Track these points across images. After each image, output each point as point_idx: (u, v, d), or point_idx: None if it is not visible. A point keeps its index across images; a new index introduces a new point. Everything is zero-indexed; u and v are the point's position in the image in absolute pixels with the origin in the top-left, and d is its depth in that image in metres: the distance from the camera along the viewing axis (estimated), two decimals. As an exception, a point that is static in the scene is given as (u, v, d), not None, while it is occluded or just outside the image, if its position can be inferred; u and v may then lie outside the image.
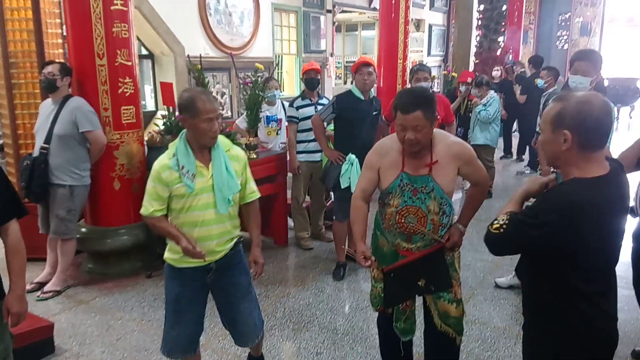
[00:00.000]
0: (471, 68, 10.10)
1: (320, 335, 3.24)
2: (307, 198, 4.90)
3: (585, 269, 1.56)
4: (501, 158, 8.77)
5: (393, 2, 6.46)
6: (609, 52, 14.80)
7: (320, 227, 4.95)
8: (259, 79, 4.29)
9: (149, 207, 2.23)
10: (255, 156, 4.33)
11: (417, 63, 4.93)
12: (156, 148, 4.14)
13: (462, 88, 6.78)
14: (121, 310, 3.58)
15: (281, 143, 4.94)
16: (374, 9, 9.78)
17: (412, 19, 9.02)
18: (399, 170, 2.26)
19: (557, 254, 1.56)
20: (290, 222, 4.96)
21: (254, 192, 2.45)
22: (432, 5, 12.41)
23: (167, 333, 2.39)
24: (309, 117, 4.33)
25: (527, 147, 8.10)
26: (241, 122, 4.75)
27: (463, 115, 6.77)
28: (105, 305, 3.65)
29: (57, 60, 3.94)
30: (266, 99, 4.57)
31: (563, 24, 15.04)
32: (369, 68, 3.87)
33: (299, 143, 4.58)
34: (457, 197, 5.50)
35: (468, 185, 2.50)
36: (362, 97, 3.90)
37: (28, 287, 3.11)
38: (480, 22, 10.58)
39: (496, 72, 8.85)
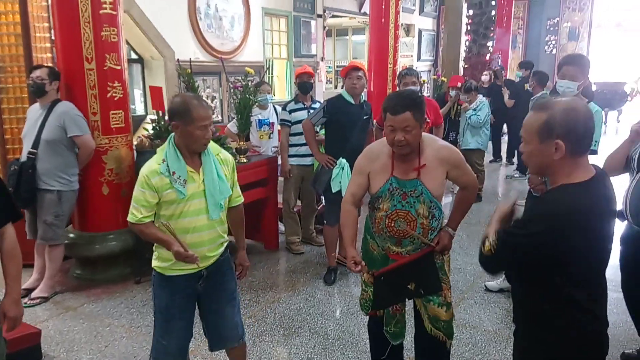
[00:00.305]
0: (461, 72, 10.17)
1: (311, 341, 3.23)
2: (298, 202, 4.89)
3: (576, 275, 1.55)
4: (490, 162, 8.82)
5: (383, 7, 6.51)
6: (597, 57, 14.97)
7: (311, 232, 4.94)
8: (250, 83, 4.29)
9: (137, 213, 2.17)
10: (246, 160, 4.32)
11: (405, 67, 4.94)
12: (145, 152, 4.11)
13: (452, 93, 6.82)
14: (110, 316, 3.54)
15: (273, 147, 4.93)
16: (364, 13, 9.82)
17: (402, 24, 9.09)
18: (388, 174, 2.26)
19: (549, 262, 1.55)
20: (281, 227, 4.95)
21: (239, 196, 2.46)
22: (421, 11, 12.49)
23: (157, 342, 2.35)
24: (301, 121, 4.33)
25: (516, 151, 8.16)
26: (232, 126, 4.74)
27: (453, 119, 6.81)
28: (94, 312, 3.61)
29: (45, 65, 3.91)
30: (257, 103, 4.57)
31: (551, 28, 15.21)
32: (359, 72, 3.88)
33: (291, 147, 4.58)
34: (447, 200, 5.52)
35: (457, 189, 2.51)
36: (353, 102, 3.91)
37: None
38: (469, 27, 10.68)
39: (485, 77, 8.92)
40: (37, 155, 3.60)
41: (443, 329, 2.37)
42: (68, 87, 3.82)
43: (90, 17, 3.68)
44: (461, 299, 3.75)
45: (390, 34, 6.53)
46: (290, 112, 4.52)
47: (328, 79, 11.97)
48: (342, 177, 3.84)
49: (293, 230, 4.78)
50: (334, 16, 10.03)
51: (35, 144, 3.60)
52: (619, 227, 2.47)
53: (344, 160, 3.85)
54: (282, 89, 8.91)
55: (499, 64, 10.49)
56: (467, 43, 10.66)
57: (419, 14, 12.43)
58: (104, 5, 3.73)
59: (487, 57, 10.41)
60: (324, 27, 9.61)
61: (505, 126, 8.95)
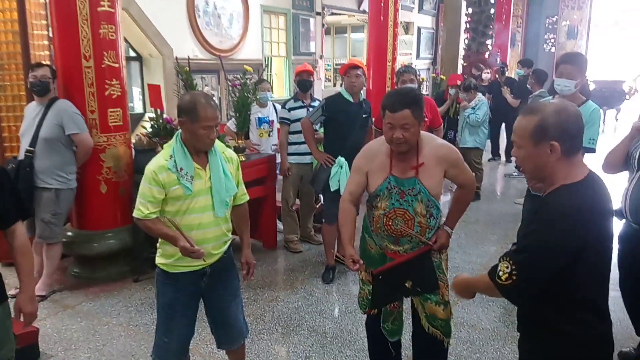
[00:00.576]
0: (459, 71, 10.15)
1: (309, 339, 3.23)
2: (297, 201, 4.89)
3: (584, 275, 1.54)
4: (489, 160, 8.83)
5: (382, 4, 6.49)
6: (596, 55, 14.97)
7: (309, 230, 4.94)
8: (248, 81, 4.28)
9: (144, 209, 2.17)
10: (244, 158, 4.32)
11: (404, 65, 4.93)
12: (144, 151, 4.12)
13: (452, 91, 6.81)
14: (107, 315, 3.54)
15: (273, 145, 4.93)
16: (363, 11, 9.80)
17: (401, 22, 9.08)
18: (386, 173, 2.26)
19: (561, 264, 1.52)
20: (280, 225, 4.95)
21: (244, 194, 2.47)
22: (420, 8, 12.47)
23: (159, 339, 2.36)
24: (300, 119, 4.32)
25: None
26: (232, 125, 4.74)
27: (452, 118, 6.81)
28: (92, 310, 3.61)
29: (45, 63, 3.90)
30: (257, 100, 4.56)
31: (550, 27, 15.21)
32: (358, 70, 3.88)
33: (290, 145, 4.57)
34: (445, 199, 5.52)
35: (456, 187, 2.51)
36: (352, 100, 3.91)
37: (12, 292, 3.07)
38: (468, 25, 10.66)
39: (486, 75, 8.88)
40: (35, 154, 3.60)
41: (441, 327, 2.37)
42: (66, 85, 3.81)
43: (88, 14, 3.67)
44: (459, 297, 3.74)
45: (389, 32, 6.52)
46: (290, 110, 4.52)
47: (327, 77, 11.96)
48: (341, 176, 3.84)
49: (292, 228, 4.78)
50: (332, 14, 10.01)
51: (33, 142, 3.60)
52: (617, 226, 2.47)
53: (342, 159, 3.85)
54: (280, 87, 8.89)
55: (498, 61, 10.48)
56: (466, 41, 10.65)
57: (418, 12, 12.40)
58: (102, 3, 3.72)
59: (486, 55, 10.40)
60: (323, 25, 9.59)
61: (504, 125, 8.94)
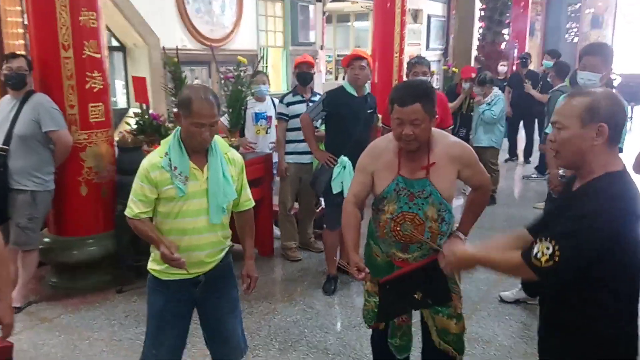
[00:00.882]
0: (472, 63, 10.17)
1: (309, 356, 3.24)
2: (296, 204, 4.90)
3: (621, 268, 1.61)
4: (506, 161, 8.82)
5: (388, -10, 6.52)
6: (623, 46, 14.98)
7: (309, 236, 4.95)
8: (242, 74, 4.29)
9: (135, 208, 2.21)
10: (238, 158, 4.32)
11: (415, 56, 4.94)
12: (128, 149, 4.13)
13: (466, 85, 6.81)
14: (88, 329, 3.55)
15: (270, 143, 4.89)
16: (368, -3, 9.84)
17: (409, 9, 9.08)
18: (394, 173, 2.27)
19: (604, 254, 1.59)
20: (277, 231, 4.95)
21: (249, 199, 2.47)
22: (431, -5, 12.52)
23: (147, 350, 2.37)
24: (299, 115, 4.33)
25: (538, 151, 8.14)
26: (225, 120, 4.74)
27: (465, 114, 6.81)
28: (71, 324, 3.61)
29: (19, 53, 3.91)
30: (253, 94, 4.56)
31: (573, 15, 15.24)
32: (362, 62, 3.89)
33: (288, 143, 4.57)
34: (458, 203, 5.52)
35: (469, 190, 2.52)
36: (355, 94, 3.92)
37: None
38: (483, 13, 10.67)
39: (502, 68, 8.88)
40: (9, 152, 3.60)
41: (453, 343, 2.38)
42: (42, 78, 3.82)
43: (67, 0, 3.68)
44: (473, 310, 3.76)
45: (396, 20, 6.55)
46: (288, 105, 4.52)
47: (328, 69, 11.99)
48: (344, 177, 3.84)
49: (290, 234, 4.79)
50: (334, 0, 10.05)
51: (7, 140, 3.60)
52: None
53: (345, 159, 3.86)
54: (277, 80, 8.91)
55: (515, 53, 10.50)
56: (481, 30, 10.67)
57: (428, -2, 12.46)
58: (83, -12, 3.74)
59: (503, 46, 10.42)
60: (324, 13, 9.64)
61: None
